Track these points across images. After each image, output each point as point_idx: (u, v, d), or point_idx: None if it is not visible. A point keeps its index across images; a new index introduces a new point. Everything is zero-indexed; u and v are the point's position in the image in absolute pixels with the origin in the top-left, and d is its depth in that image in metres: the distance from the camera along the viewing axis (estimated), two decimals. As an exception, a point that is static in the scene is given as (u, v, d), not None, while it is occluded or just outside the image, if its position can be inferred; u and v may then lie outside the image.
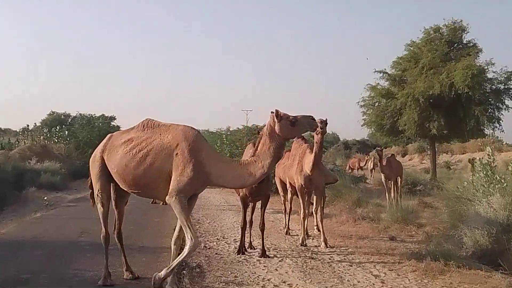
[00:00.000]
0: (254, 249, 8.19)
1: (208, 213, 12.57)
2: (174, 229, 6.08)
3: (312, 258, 7.56)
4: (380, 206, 13.30)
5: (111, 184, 5.79)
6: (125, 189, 5.58)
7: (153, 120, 5.63)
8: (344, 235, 9.60)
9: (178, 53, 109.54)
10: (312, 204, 9.90)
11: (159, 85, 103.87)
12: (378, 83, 23.90)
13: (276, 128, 5.16)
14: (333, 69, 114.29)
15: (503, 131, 21.61)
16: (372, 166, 25.85)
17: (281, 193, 10.41)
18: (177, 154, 5.15)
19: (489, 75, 21.15)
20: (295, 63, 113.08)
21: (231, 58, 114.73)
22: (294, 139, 9.96)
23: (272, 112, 5.26)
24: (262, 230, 7.80)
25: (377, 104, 23.92)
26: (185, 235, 5.27)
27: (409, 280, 6.30)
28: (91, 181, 6.06)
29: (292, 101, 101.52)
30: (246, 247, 8.10)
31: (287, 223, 10.10)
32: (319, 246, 8.54)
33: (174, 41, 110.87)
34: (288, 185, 10.02)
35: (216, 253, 7.79)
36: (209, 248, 8.16)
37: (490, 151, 10.12)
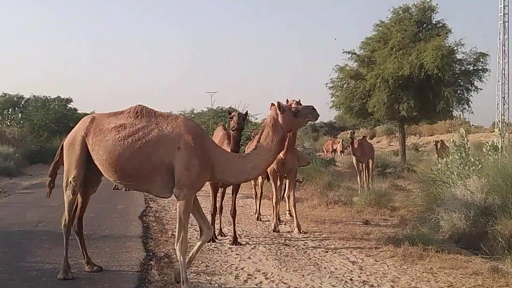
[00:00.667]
0: (225, 236, 8.00)
1: (174, 199, 12.02)
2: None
3: (286, 244, 7.42)
4: (351, 189, 13.30)
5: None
6: (111, 179, 5.24)
7: (147, 107, 5.28)
8: (317, 219, 9.51)
9: (135, 30, 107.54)
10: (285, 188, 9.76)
11: (115, 65, 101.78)
12: (347, 64, 23.90)
13: (280, 120, 5.10)
14: (300, 49, 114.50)
15: (472, 112, 21.98)
16: (341, 149, 25.96)
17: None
18: (179, 148, 4.90)
19: (459, 56, 21.41)
20: (260, 43, 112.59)
21: (195, 38, 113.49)
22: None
23: (272, 104, 5.23)
24: (234, 216, 7.59)
25: (345, 85, 23.90)
26: (176, 234, 5.02)
27: (387, 266, 6.21)
28: (53, 167, 5.66)
29: (257, 82, 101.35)
30: (216, 235, 7.89)
31: (258, 209, 9.94)
32: (292, 231, 8.41)
33: (129, 18, 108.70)
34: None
35: (184, 241, 7.51)
36: (177, 236, 7.87)
37: (464, 132, 10.20)
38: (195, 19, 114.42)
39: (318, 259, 6.58)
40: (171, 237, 7.77)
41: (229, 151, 6.78)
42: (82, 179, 5.38)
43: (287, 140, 5.98)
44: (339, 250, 7.06)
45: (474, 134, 31.69)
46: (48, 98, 35.95)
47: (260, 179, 10.00)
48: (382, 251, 6.89)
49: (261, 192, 10.12)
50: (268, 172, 8.73)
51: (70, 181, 5.33)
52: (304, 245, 7.43)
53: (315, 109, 5.20)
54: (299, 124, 5.49)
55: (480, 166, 9.08)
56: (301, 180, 11.82)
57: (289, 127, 5.16)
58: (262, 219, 9.70)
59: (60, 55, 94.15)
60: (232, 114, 6.71)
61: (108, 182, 14.97)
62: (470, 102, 21.74)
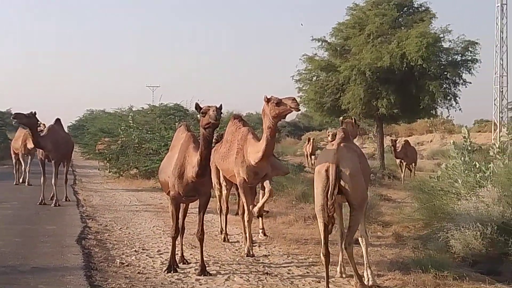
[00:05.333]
0: (188, 263, 7.43)
1: (117, 216, 11.60)
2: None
3: (267, 273, 6.96)
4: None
5: None
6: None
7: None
8: (298, 239, 9.10)
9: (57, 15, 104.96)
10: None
11: (35, 56, 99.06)
12: (316, 54, 23.70)
13: None
14: (258, 37, 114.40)
15: (460, 109, 22.16)
16: (310, 151, 25.73)
17: (217, 186, 9.64)
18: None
19: (445, 45, 21.56)
20: (210, 30, 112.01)
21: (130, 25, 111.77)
22: (230, 120, 9.22)
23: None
24: (201, 239, 7.02)
25: (315, 78, 23.73)
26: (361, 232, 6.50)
27: (398, 299, 5.84)
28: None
29: (207, 75, 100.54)
30: (178, 262, 7.31)
31: (224, 227, 9.41)
32: (270, 256, 7.99)
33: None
34: (222, 178, 9.31)
35: (138, 272, 6.94)
36: (127, 265, 7.26)
37: (467, 132, 10.00)
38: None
39: (311, 292, 6.14)
40: (120, 267, 7.16)
41: (198, 155, 6.36)
42: None
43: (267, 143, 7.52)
44: (333, 279, 6.63)
45: (458, 134, 32.14)
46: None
47: (225, 190, 9.46)
48: (387, 280, 6.53)
49: (227, 207, 9.58)
50: (238, 184, 8.22)
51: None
52: (289, 273, 7.00)
53: None
54: None
55: (488, 172, 8.88)
56: (267, 211, 11.09)
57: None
58: (230, 240, 9.20)
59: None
60: (205, 107, 6.19)
61: (33, 196, 14.05)
62: (457, 98, 21.96)
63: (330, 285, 5.99)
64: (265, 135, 7.54)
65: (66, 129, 16.47)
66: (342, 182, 5.85)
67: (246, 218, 8.24)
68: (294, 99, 7.26)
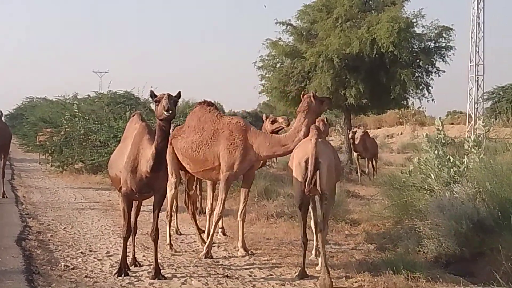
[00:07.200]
0: (140, 266, 7.43)
1: (61, 215, 11.53)
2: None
3: (227, 276, 7.02)
4: (294, 197, 13.08)
5: None
6: None
7: None
8: (260, 239, 9.21)
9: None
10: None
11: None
12: (281, 38, 23.73)
13: None
14: (214, 19, 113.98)
15: (433, 99, 22.53)
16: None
17: (173, 178, 9.50)
18: None
19: (418, 30, 21.85)
20: (164, 12, 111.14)
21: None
22: (199, 106, 9.02)
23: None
24: (156, 239, 6.99)
25: (279, 65, 23.77)
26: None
27: (368, 303, 5.97)
28: None
29: (159, 62, 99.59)
30: (129, 265, 7.28)
31: (177, 226, 9.53)
32: (230, 257, 8.06)
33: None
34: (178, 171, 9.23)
35: (85, 276, 6.92)
36: (73, 268, 7.23)
37: (441, 124, 10.18)
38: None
39: (274, 295, 6.23)
40: (65, 270, 7.11)
41: (153, 148, 6.35)
42: None
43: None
44: (299, 282, 6.76)
45: (430, 126, 32.79)
46: None
47: (172, 190, 9.07)
48: (356, 282, 6.66)
49: (177, 204, 9.56)
50: (224, 178, 8.10)
51: None
52: (251, 276, 7.09)
53: None
54: None
55: (463, 167, 9.08)
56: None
57: None
58: (184, 241, 9.26)
59: None
60: (159, 96, 6.12)
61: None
62: (430, 87, 22.31)
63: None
64: (305, 127, 7.70)
65: (2, 118, 16.16)
66: (318, 173, 6.59)
67: (216, 217, 8.21)
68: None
